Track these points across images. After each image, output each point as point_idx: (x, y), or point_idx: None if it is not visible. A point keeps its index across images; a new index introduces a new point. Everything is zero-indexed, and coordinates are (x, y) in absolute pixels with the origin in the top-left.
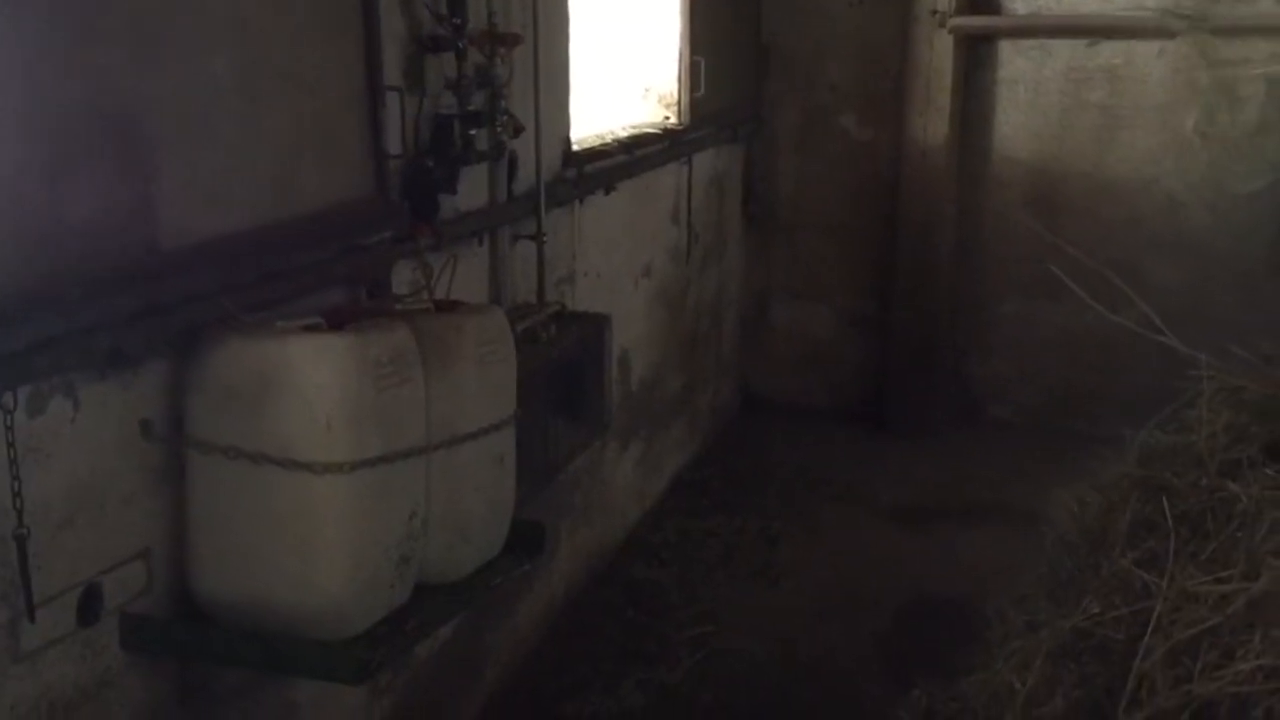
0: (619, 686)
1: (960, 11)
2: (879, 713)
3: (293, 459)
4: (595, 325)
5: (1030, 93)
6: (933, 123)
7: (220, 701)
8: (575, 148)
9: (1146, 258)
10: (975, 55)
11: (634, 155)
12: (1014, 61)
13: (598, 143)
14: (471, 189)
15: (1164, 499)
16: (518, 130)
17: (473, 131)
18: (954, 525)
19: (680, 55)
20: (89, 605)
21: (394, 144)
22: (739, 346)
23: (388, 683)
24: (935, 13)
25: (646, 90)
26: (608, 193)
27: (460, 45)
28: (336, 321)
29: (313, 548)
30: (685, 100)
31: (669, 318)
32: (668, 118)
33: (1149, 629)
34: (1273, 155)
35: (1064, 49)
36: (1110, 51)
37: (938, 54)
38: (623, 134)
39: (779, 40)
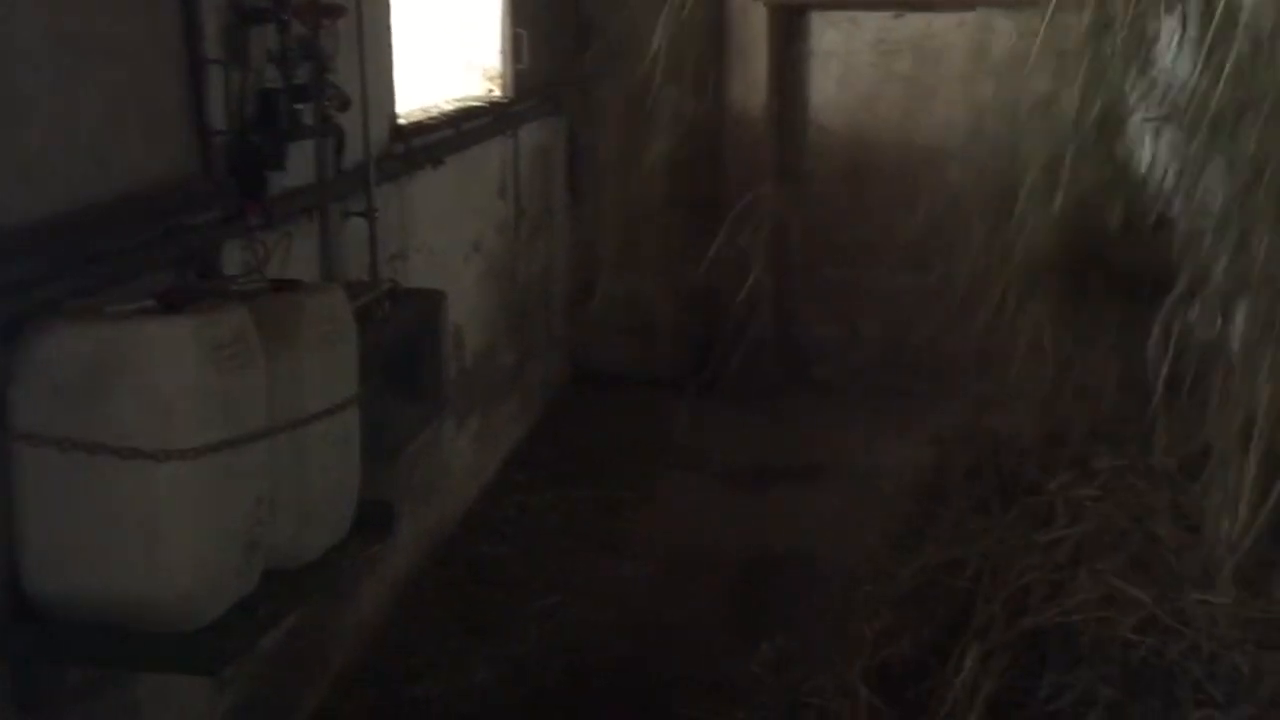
0: (467, 664)
1: None
2: (731, 670)
3: (132, 448)
4: (430, 302)
5: (842, 65)
6: (751, 94)
7: (61, 704)
8: (402, 122)
9: (956, 221)
10: (789, 27)
11: (461, 129)
12: (826, 33)
13: (424, 117)
14: (299, 165)
15: (994, 451)
16: (344, 104)
17: (299, 106)
18: (790, 484)
19: (502, 27)
20: None
21: (218, 119)
22: (569, 319)
23: (231, 675)
24: None
25: (469, 63)
26: (436, 167)
27: (283, 17)
28: (170, 304)
29: (157, 538)
30: (509, 73)
31: (499, 292)
32: (492, 91)
33: (984, 573)
34: (1067, 120)
35: (872, 21)
36: (915, 24)
37: (754, 26)
38: (448, 108)
39: (599, 12)
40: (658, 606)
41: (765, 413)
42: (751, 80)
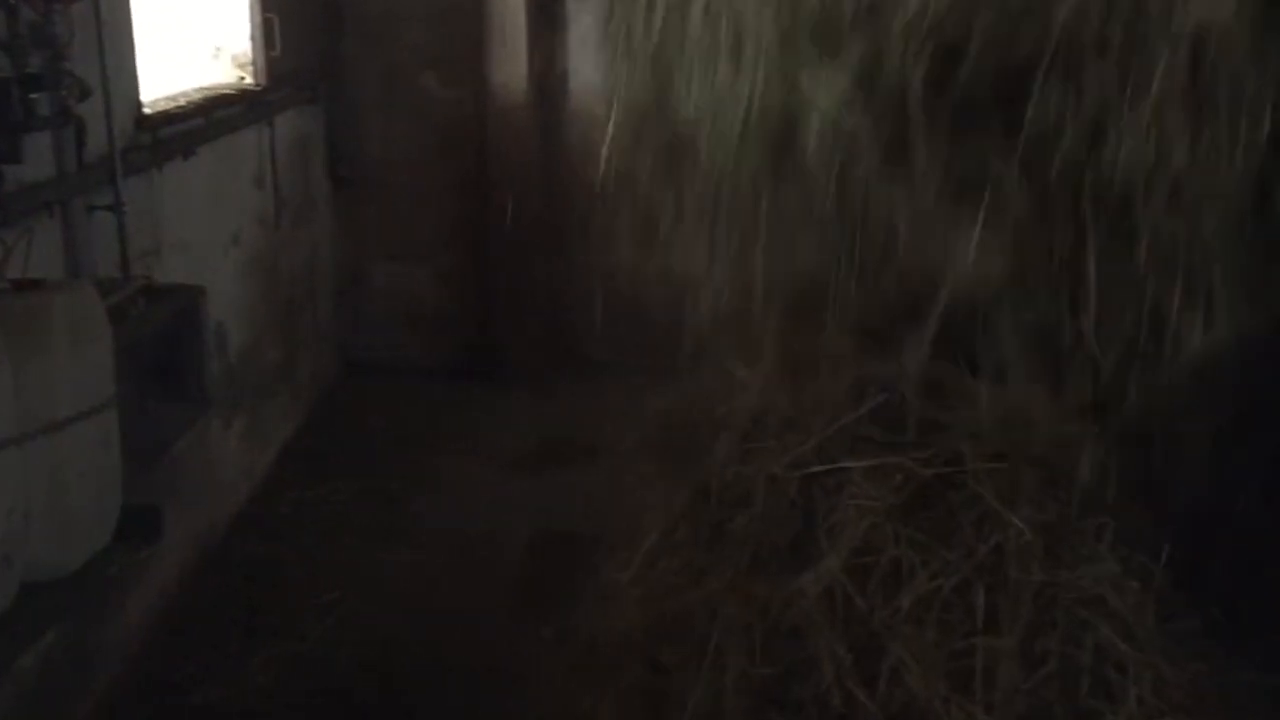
0: (247, 666)
1: None
2: (517, 652)
3: None
4: (188, 298)
5: (599, 50)
6: (513, 80)
7: None
8: (148, 111)
9: None
10: (547, 12)
11: (212, 118)
12: (582, 19)
13: (172, 106)
14: (37, 158)
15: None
16: (84, 93)
17: (34, 95)
18: (569, 466)
19: (252, 12)
20: None
21: None
22: (338, 311)
23: None
24: None
25: (218, 50)
26: (187, 158)
27: (10, 1)
28: None
29: None
30: (261, 60)
31: (262, 286)
32: (243, 79)
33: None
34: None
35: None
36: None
37: (511, 12)
38: (198, 96)
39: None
40: (440, 595)
41: (544, 397)
42: (513, 66)
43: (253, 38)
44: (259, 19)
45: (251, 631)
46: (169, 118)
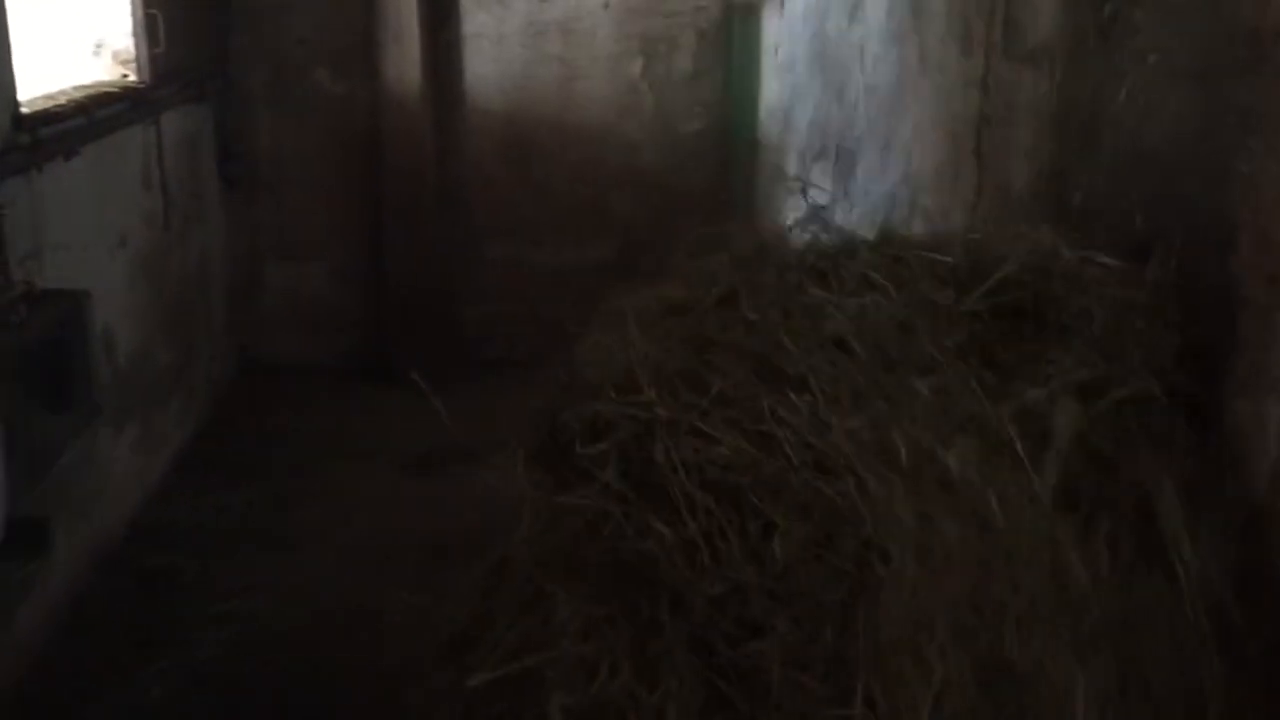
0: (142, 679)
1: None
2: (409, 654)
3: None
4: (72, 303)
5: (495, 46)
6: (406, 76)
7: None
8: (25, 110)
9: (612, 195)
10: (440, 9)
11: (95, 117)
12: (476, 15)
13: (52, 105)
14: None
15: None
16: None
17: None
18: (464, 466)
19: (134, 8)
20: None
21: None
22: (232, 313)
23: None
24: None
25: (99, 47)
26: (69, 159)
27: None
28: None
29: None
30: (145, 57)
31: (152, 289)
32: (127, 76)
33: None
34: (707, 98)
35: (521, 3)
36: (562, 6)
37: (404, 8)
38: (79, 95)
39: None
40: (338, 599)
41: (441, 396)
42: (406, 63)
43: (135, 34)
44: (141, 14)
45: (147, 643)
46: (48, 117)
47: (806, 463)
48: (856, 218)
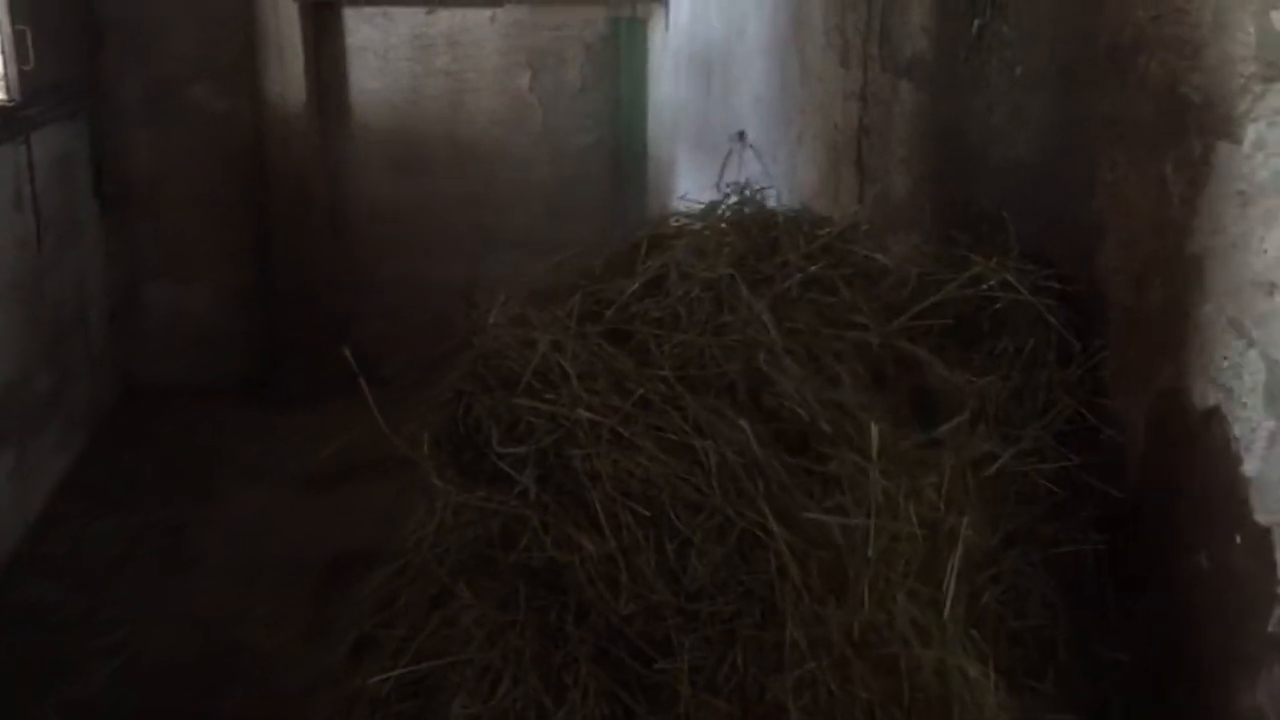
0: (28, 716)
1: None
2: (310, 678)
3: None
4: None
5: (381, 59)
6: (290, 91)
7: None
8: None
9: (503, 209)
10: (323, 23)
11: None
12: (361, 29)
13: None
14: None
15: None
16: None
17: None
18: (360, 483)
19: (2, 24)
20: None
21: None
22: (113, 336)
23: None
24: None
25: None
26: None
27: None
28: None
29: None
30: (14, 74)
31: (25, 313)
32: None
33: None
34: (596, 111)
35: (407, 16)
36: (449, 19)
37: (285, 22)
38: None
39: (113, 8)
40: (231, 624)
41: (333, 414)
42: (290, 77)
43: (3, 50)
44: (9, 30)
45: (31, 678)
46: None
47: (727, 480)
48: None
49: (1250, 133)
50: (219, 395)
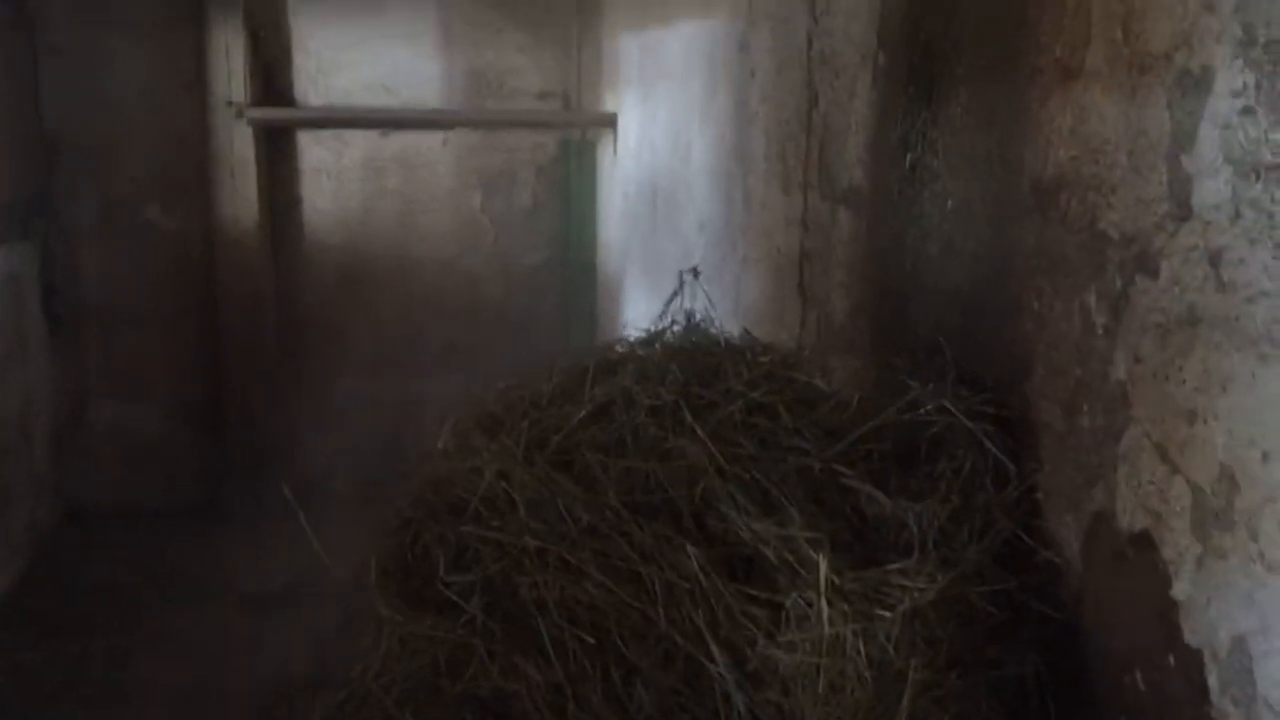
0: None
1: (256, 103)
2: None
3: None
4: None
5: (333, 180)
6: (242, 211)
7: None
8: None
9: (454, 328)
10: (276, 145)
11: None
12: (314, 151)
13: None
14: None
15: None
16: None
17: None
18: (309, 604)
19: None
20: None
21: None
22: (57, 456)
23: None
24: (231, 104)
25: None
26: None
27: None
28: None
29: None
30: None
31: None
32: None
33: None
34: (547, 231)
35: (360, 139)
36: (401, 142)
37: (239, 145)
38: None
39: (67, 128)
40: None
41: (281, 534)
42: (243, 198)
43: None
44: None
45: None
46: None
47: (673, 608)
48: None
49: (1165, 268)
50: (164, 516)
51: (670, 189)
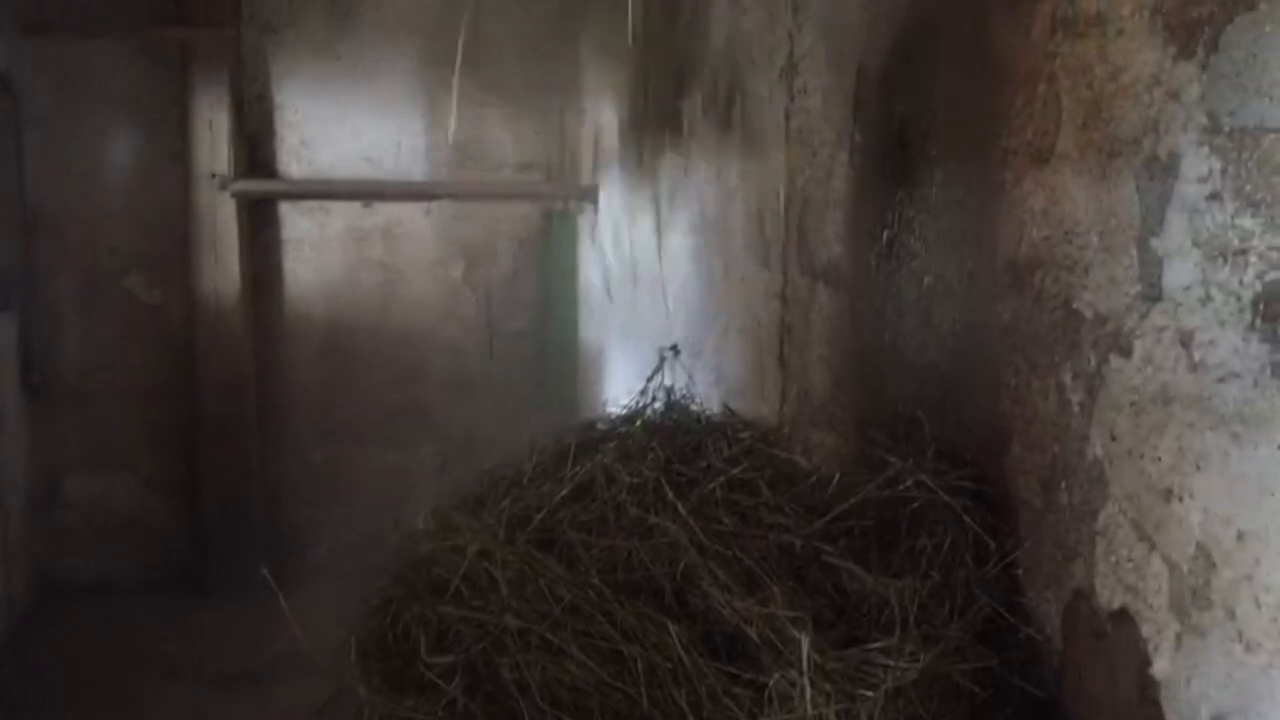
0: None
1: (240, 175)
2: None
3: None
4: None
5: (316, 251)
6: (224, 282)
7: None
8: None
9: (436, 397)
10: (259, 216)
11: None
12: (297, 222)
13: None
14: None
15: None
16: None
17: None
18: (286, 684)
19: None
20: None
21: None
22: (32, 528)
23: None
24: (214, 176)
25: None
26: None
27: None
28: None
29: None
30: None
31: None
32: None
33: None
34: (527, 300)
35: (343, 210)
36: (385, 212)
37: (222, 216)
38: None
39: (49, 201)
40: None
41: (259, 607)
42: (224, 269)
43: None
44: None
45: None
46: None
47: (655, 688)
48: None
49: (1138, 348)
50: (140, 590)
51: (650, 260)
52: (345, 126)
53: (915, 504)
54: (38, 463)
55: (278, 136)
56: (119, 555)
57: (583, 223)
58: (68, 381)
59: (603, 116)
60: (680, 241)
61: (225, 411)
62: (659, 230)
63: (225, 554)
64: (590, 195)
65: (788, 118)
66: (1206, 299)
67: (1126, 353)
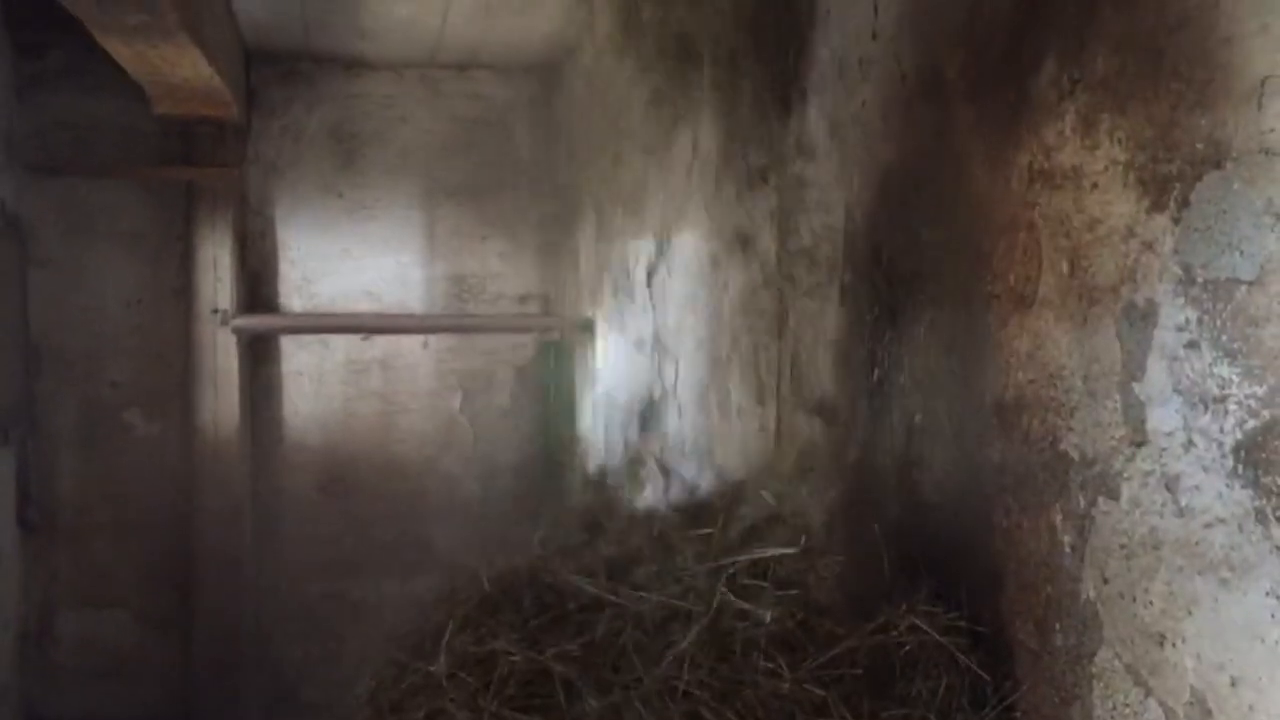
0: None
1: (242, 309)
2: None
3: None
4: None
5: (315, 383)
6: (222, 416)
7: None
8: None
9: (434, 528)
10: (259, 350)
11: None
12: (297, 355)
13: None
14: None
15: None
16: None
17: None
18: None
19: None
20: None
21: None
22: (23, 665)
23: None
24: (216, 311)
25: None
26: None
27: None
28: None
29: None
30: None
31: None
32: None
33: None
34: (525, 431)
35: (342, 342)
36: (383, 344)
37: (222, 351)
38: None
39: (51, 336)
40: None
41: None
42: (223, 402)
43: None
44: None
45: None
46: None
47: None
48: None
49: (1125, 490)
50: None
51: (648, 393)
52: (347, 262)
53: (909, 646)
54: (30, 599)
55: (280, 273)
56: (111, 692)
57: (580, 353)
58: (63, 516)
59: (600, 251)
60: (677, 378)
61: (221, 544)
62: (656, 364)
63: (217, 691)
64: (588, 327)
65: (779, 260)
66: (1190, 444)
67: (1114, 495)
